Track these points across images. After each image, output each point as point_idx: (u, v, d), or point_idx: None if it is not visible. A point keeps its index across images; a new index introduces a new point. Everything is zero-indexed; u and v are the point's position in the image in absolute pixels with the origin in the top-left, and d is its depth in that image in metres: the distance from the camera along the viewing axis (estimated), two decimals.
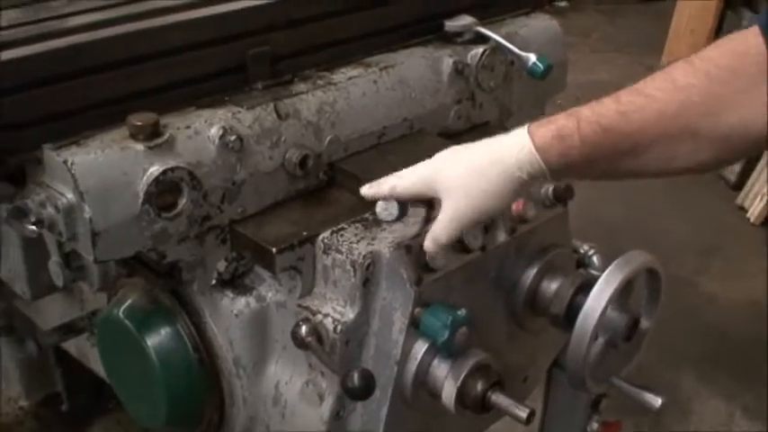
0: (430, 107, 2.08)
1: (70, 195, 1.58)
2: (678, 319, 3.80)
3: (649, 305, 1.89)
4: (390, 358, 1.74)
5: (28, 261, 2.08)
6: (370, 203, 1.78)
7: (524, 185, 1.52)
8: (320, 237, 1.75)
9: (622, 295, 1.78)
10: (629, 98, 1.42)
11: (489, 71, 2.18)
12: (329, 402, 1.80)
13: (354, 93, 1.95)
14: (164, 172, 1.62)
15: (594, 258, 2.18)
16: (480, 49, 2.15)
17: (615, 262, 1.76)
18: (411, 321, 1.71)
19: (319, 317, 1.74)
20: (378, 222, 1.74)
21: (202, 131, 1.71)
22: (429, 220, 1.75)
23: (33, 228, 1.63)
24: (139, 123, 1.61)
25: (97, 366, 2.31)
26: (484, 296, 1.87)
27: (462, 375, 1.72)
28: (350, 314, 1.73)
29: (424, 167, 1.59)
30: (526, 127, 1.50)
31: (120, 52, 1.69)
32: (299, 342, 1.72)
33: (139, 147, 1.62)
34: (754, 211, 4.87)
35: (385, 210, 1.64)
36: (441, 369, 1.75)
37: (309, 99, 1.88)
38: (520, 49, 2.13)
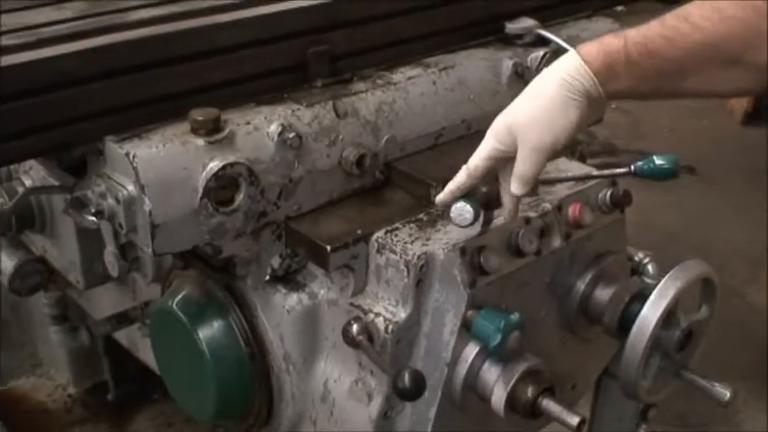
0: (488, 109, 2.05)
1: (131, 188, 1.59)
2: (726, 329, 3.75)
3: (703, 315, 1.87)
4: (440, 360, 1.74)
5: (83, 251, 2.11)
6: (425, 204, 1.79)
7: (583, 98, 1.51)
8: (374, 236, 1.75)
9: (677, 304, 1.76)
10: (674, 23, 1.44)
11: None
12: (378, 402, 1.79)
13: (413, 93, 1.95)
14: (223, 167, 1.62)
15: (649, 266, 2.15)
16: (541, 52, 2.13)
17: (671, 272, 1.75)
18: (463, 323, 1.70)
19: (371, 316, 1.74)
20: (432, 223, 1.74)
21: (262, 128, 1.71)
22: (488, 222, 1.75)
23: (93, 219, 1.65)
24: (201, 118, 1.62)
25: (147, 357, 2.34)
26: (537, 301, 1.86)
27: (513, 380, 1.71)
28: (401, 314, 1.72)
29: (489, 131, 1.60)
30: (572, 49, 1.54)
31: (183, 48, 1.69)
32: (350, 340, 1.71)
33: (200, 141, 1.62)
34: None
35: (460, 215, 1.63)
36: (491, 373, 1.74)
37: (368, 98, 1.88)
38: None
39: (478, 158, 1.60)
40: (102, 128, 1.62)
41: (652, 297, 1.72)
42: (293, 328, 1.87)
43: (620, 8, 2.58)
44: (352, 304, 1.78)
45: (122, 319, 2.33)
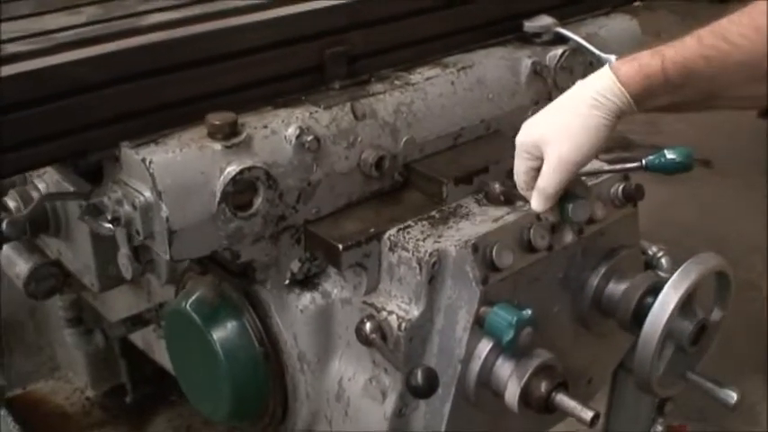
0: (507, 108, 2.05)
1: (148, 194, 1.58)
2: (743, 322, 3.73)
3: (718, 308, 1.86)
4: (454, 357, 1.74)
5: (97, 254, 2.12)
6: (437, 201, 1.79)
7: (615, 118, 1.55)
8: (387, 234, 1.75)
9: (691, 297, 1.76)
10: (712, 42, 1.45)
11: (568, 73, 2.13)
12: (392, 399, 1.79)
13: (432, 93, 1.93)
14: (241, 171, 1.61)
15: (663, 260, 2.15)
16: (560, 51, 2.12)
17: (684, 264, 1.74)
18: (476, 320, 1.70)
19: (384, 314, 1.74)
20: (444, 220, 1.74)
21: (279, 131, 1.70)
22: (495, 219, 1.76)
23: (110, 226, 1.64)
24: (218, 122, 1.61)
25: (162, 358, 2.34)
26: (550, 296, 1.86)
27: (526, 375, 1.71)
28: (414, 312, 1.72)
29: (521, 136, 1.64)
30: (608, 65, 1.55)
31: (198, 51, 1.68)
32: (364, 339, 1.72)
33: (217, 146, 1.61)
34: None
35: None
36: (504, 368, 1.74)
37: (386, 99, 1.87)
38: (599, 49, 2.10)
39: (519, 176, 1.66)
40: (117, 134, 1.62)
41: (665, 290, 1.71)
42: (307, 328, 1.87)
43: (637, 4, 2.56)
44: (365, 302, 1.78)
45: (137, 321, 2.34)
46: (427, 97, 1.92)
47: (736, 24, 1.43)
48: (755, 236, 4.57)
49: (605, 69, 1.55)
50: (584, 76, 2.07)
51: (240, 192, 1.63)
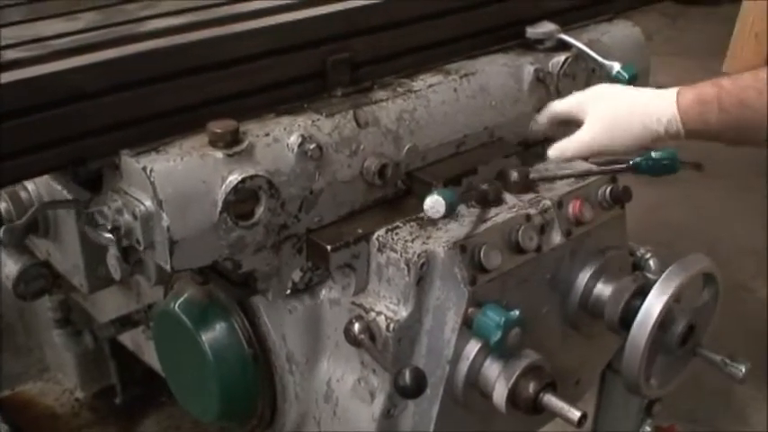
0: (510, 115, 2.04)
1: (148, 203, 1.56)
2: (733, 324, 3.74)
3: (706, 310, 1.87)
4: (442, 357, 1.74)
5: (86, 254, 2.12)
6: None
7: (659, 140, 1.64)
8: (375, 235, 1.75)
9: (679, 299, 1.76)
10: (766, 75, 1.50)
11: (571, 79, 2.12)
12: (380, 400, 1.80)
13: (434, 100, 1.92)
14: (243, 180, 1.59)
15: (651, 262, 2.16)
16: (562, 57, 2.10)
17: (672, 266, 1.75)
18: (464, 321, 1.70)
19: (372, 315, 1.74)
20: (433, 221, 1.74)
21: (281, 139, 1.69)
22: (483, 220, 1.76)
23: (110, 236, 1.62)
24: (219, 131, 1.59)
25: (152, 359, 2.34)
26: (538, 297, 1.86)
27: (514, 376, 1.71)
28: (403, 312, 1.72)
29: (581, 94, 1.76)
30: (676, 90, 1.62)
31: (199, 58, 1.65)
32: (352, 339, 1.72)
33: (219, 154, 1.60)
34: None
35: (432, 207, 1.65)
36: (492, 369, 1.74)
37: (389, 106, 1.85)
38: (602, 56, 2.08)
39: (559, 107, 1.81)
40: (117, 142, 1.59)
41: (653, 292, 1.72)
42: (296, 328, 1.87)
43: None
44: (353, 303, 1.78)
45: (126, 321, 2.34)
46: (430, 104, 1.91)
47: None
48: (747, 237, 4.59)
49: (671, 97, 1.62)
50: (586, 82, 2.10)
51: (242, 201, 1.62)
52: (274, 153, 1.67)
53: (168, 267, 1.59)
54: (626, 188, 1.91)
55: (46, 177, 2.01)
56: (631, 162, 1.75)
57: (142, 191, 1.57)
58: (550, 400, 1.71)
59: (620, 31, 2.29)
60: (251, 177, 1.60)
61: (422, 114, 1.89)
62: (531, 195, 1.86)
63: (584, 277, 1.91)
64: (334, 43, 1.81)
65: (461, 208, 1.79)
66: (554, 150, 1.75)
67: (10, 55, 1.55)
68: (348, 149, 1.77)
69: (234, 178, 1.59)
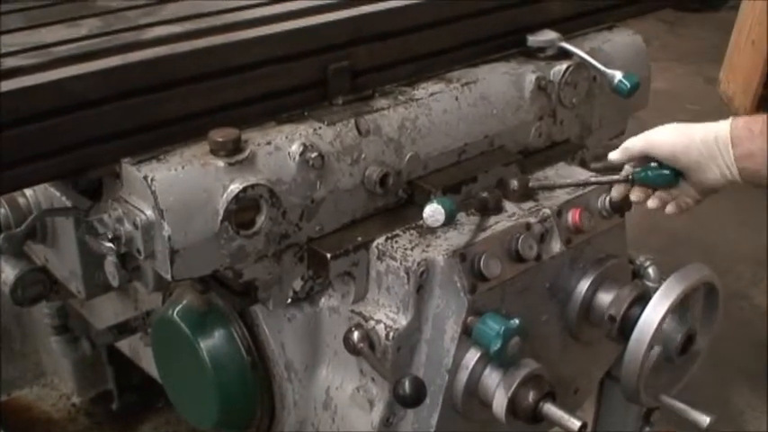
0: (511, 124, 2.03)
1: (149, 212, 1.55)
2: (731, 331, 3.75)
3: (706, 319, 1.87)
4: (442, 366, 1.74)
5: (84, 261, 2.11)
6: None
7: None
8: (375, 243, 1.75)
9: (679, 309, 1.76)
10: None
11: (572, 88, 2.12)
12: (379, 409, 1.79)
13: (436, 109, 1.91)
14: (244, 189, 1.58)
15: (650, 270, 2.16)
16: (564, 66, 2.09)
17: (673, 275, 1.75)
18: (464, 330, 1.70)
19: (372, 323, 1.73)
20: (433, 230, 1.74)
21: (283, 148, 1.68)
22: (483, 228, 1.76)
23: (110, 245, 1.61)
24: (221, 139, 1.58)
25: (149, 366, 2.34)
26: (538, 306, 1.86)
27: (514, 385, 1.71)
28: (402, 321, 1.72)
29: (652, 132, 1.74)
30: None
31: (200, 66, 1.64)
32: (351, 348, 1.72)
33: (220, 163, 1.59)
34: None
35: (431, 215, 1.64)
36: (492, 378, 1.74)
37: (390, 115, 1.84)
38: (603, 64, 2.07)
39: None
40: (118, 150, 1.58)
41: (652, 302, 1.72)
42: (294, 336, 1.87)
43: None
44: (353, 311, 1.77)
45: (124, 328, 2.33)
46: (431, 113, 1.90)
47: None
48: (743, 245, 4.59)
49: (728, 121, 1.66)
50: (587, 90, 2.11)
51: (243, 210, 1.61)
52: (276, 162, 1.66)
53: (169, 277, 1.58)
54: (625, 197, 1.90)
55: (45, 184, 2.00)
56: (631, 174, 1.75)
57: (143, 200, 1.56)
58: (550, 409, 1.71)
59: (622, 39, 2.28)
60: (252, 186, 1.59)
61: (423, 123, 1.88)
62: (530, 204, 1.86)
63: (583, 286, 1.91)
64: (336, 51, 1.80)
65: (461, 216, 1.79)
66: (616, 152, 1.78)
67: (11, 62, 1.53)
68: (349, 158, 1.76)
69: (235, 187, 1.58)
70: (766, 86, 5.68)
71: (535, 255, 1.78)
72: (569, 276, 1.90)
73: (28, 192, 2.11)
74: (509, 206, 1.84)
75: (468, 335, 1.70)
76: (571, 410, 1.73)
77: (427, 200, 1.71)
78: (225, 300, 1.90)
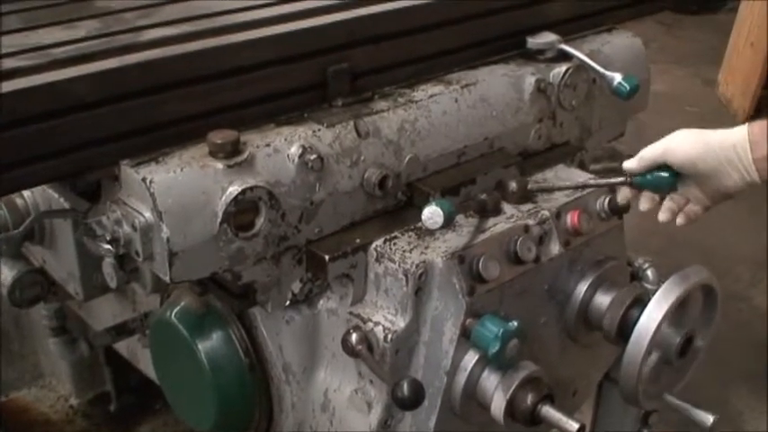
0: (511, 126, 2.03)
1: (148, 214, 1.54)
2: (730, 332, 3.74)
3: (704, 322, 1.87)
4: (440, 368, 1.74)
5: (81, 262, 2.11)
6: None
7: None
8: (373, 245, 1.75)
9: (677, 311, 1.76)
10: None
11: (572, 90, 2.11)
12: (377, 411, 1.79)
13: (435, 111, 1.90)
14: (243, 191, 1.58)
15: (649, 272, 2.15)
16: (564, 68, 2.09)
17: (671, 278, 1.75)
18: (462, 332, 1.70)
19: (370, 325, 1.73)
20: (431, 231, 1.73)
21: (282, 150, 1.67)
22: (482, 230, 1.75)
23: (109, 247, 1.61)
24: (219, 141, 1.58)
25: (147, 367, 2.34)
26: (536, 308, 1.86)
27: (512, 388, 1.71)
28: (401, 323, 1.72)
29: (667, 139, 1.73)
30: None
31: (199, 68, 1.64)
32: (350, 350, 1.71)
33: (219, 165, 1.58)
34: None
35: (430, 218, 1.64)
36: (490, 381, 1.74)
37: (390, 117, 1.84)
38: (603, 66, 2.07)
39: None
40: (117, 152, 1.58)
41: (651, 304, 1.72)
42: (293, 338, 1.87)
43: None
44: (351, 313, 1.77)
45: (122, 330, 2.32)
46: (431, 115, 1.89)
47: None
48: (741, 246, 4.59)
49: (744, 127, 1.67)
50: (587, 93, 2.11)
51: (242, 212, 1.60)
52: (275, 164, 1.66)
53: (168, 279, 1.57)
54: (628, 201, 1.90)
55: (43, 185, 1.99)
56: (630, 177, 1.75)
57: (142, 202, 1.55)
58: (548, 411, 1.70)
59: (621, 41, 2.28)
60: (251, 188, 1.59)
61: (423, 125, 1.87)
62: (529, 206, 1.86)
63: (582, 288, 1.90)
64: (335, 53, 1.80)
65: (460, 218, 1.79)
66: (632, 161, 1.76)
67: (10, 64, 1.53)
68: (349, 160, 1.76)
69: (234, 189, 1.58)
70: (765, 88, 5.68)
71: (534, 257, 1.78)
72: (568, 278, 1.89)
73: (26, 193, 2.11)
74: (508, 208, 1.84)
75: (466, 337, 1.70)
76: (569, 413, 1.73)
77: (426, 202, 1.71)
78: (223, 302, 1.89)
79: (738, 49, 5.99)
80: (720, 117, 5.68)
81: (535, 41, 2.09)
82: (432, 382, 1.73)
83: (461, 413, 1.77)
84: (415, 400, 1.59)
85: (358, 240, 1.75)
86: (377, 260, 1.74)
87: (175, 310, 1.94)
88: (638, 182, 1.74)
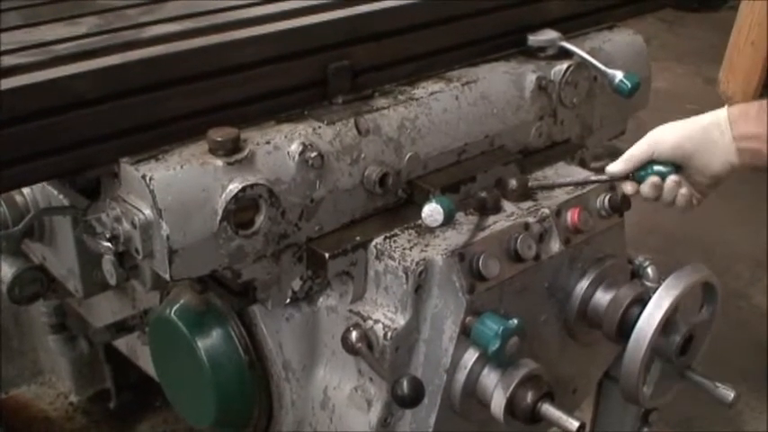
0: (511, 124, 2.03)
1: (148, 212, 1.54)
2: (730, 331, 3.74)
3: (705, 319, 1.86)
4: (440, 366, 1.74)
5: (81, 259, 2.11)
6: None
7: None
8: (373, 242, 1.75)
9: (678, 309, 1.75)
10: None
11: (573, 87, 2.11)
12: (377, 409, 1.79)
13: (436, 108, 1.90)
14: (243, 189, 1.57)
15: (649, 270, 2.15)
16: (564, 65, 2.08)
17: (672, 276, 1.75)
18: (462, 330, 1.70)
19: (370, 323, 1.73)
20: (431, 229, 1.73)
21: (282, 147, 1.67)
22: (482, 228, 1.75)
23: (108, 244, 1.60)
24: (220, 138, 1.57)
25: (147, 364, 2.33)
26: (536, 306, 1.85)
27: (512, 386, 1.71)
28: (401, 321, 1.72)
29: (650, 136, 1.80)
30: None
31: (199, 65, 1.63)
32: (349, 347, 1.71)
33: (219, 162, 1.58)
34: None
35: (430, 215, 1.64)
36: (490, 378, 1.73)
37: (390, 114, 1.83)
38: (604, 64, 2.07)
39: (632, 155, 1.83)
40: (116, 149, 1.57)
41: (651, 302, 1.72)
42: (292, 336, 1.86)
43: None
44: (351, 311, 1.77)
45: (121, 327, 2.32)
46: (431, 113, 1.89)
47: None
48: (741, 244, 4.59)
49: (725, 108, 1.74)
50: (588, 90, 2.10)
51: (242, 209, 1.60)
52: (275, 161, 1.65)
53: (167, 277, 1.57)
54: (624, 197, 1.90)
55: (43, 182, 1.99)
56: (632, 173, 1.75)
57: (141, 199, 1.55)
58: (548, 409, 1.70)
59: (622, 39, 2.28)
60: (251, 186, 1.59)
61: (423, 122, 1.87)
62: (529, 203, 1.86)
63: (582, 286, 1.90)
64: (335, 50, 1.79)
65: (460, 216, 1.79)
66: (616, 164, 1.82)
67: (10, 60, 1.52)
68: (349, 157, 1.75)
69: (234, 187, 1.57)
70: (766, 87, 5.68)
71: (534, 254, 1.78)
72: (568, 276, 1.89)
73: (26, 190, 2.11)
74: (508, 206, 1.84)
75: (466, 335, 1.69)
76: (569, 411, 1.72)
77: (426, 199, 1.70)
78: (223, 299, 1.89)
79: (739, 47, 5.98)
80: None
81: (536, 39, 2.09)
82: (431, 379, 1.73)
83: (461, 411, 1.77)
84: (414, 397, 1.59)
85: (358, 238, 1.75)
86: (377, 258, 1.74)
87: (175, 308, 1.93)
88: (640, 177, 1.75)
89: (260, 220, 1.63)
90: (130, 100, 1.55)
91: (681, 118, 1.80)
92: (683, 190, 1.79)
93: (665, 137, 1.75)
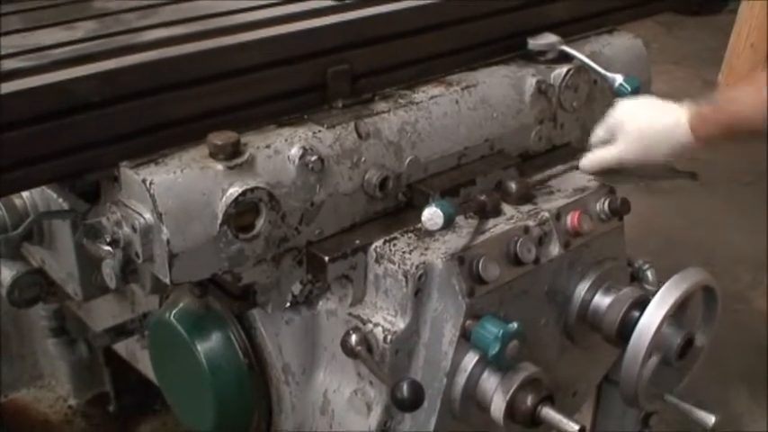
0: (511, 127, 2.03)
1: (148, 215, 1.54)
2: (730, 334, 3.73)
3: (704, 323, 1.87)
4: (440, 370, 1.73)
5: (81, 262, 2.10)
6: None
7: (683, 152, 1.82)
8: (373, 246, 1.74)
9: (677, 312, 1.75)
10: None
11: (573, 91, 2.11)
12: (377, 412, 1.79)
13: (436, 112, 1.90)
14: (243, 192, 1.58)
15: (649, 273, 2.15)
16: (564, 69, 2.08)
17: (671, 279, 1.75)
18: (462, 333, 1.70)
19: (369, 326, 1.73)
20: (431, 232, 1.73)
21: (282, 151, 1.67)
22: (481, 231, 1.75)
23: (108, 248, 1.60)
24: (220, 142, 1.57)
25: (146, 368, 2.33)
26: (536, 309, 1.85)
27: (512, 389, 1.71)
28: (400, 324, 1.72)
29: (610, 119, 1.91)
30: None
31: (199, 69, 1.63)
32: (349, 351, 1.71)
33: (219, 166, 1.58)
34: None
35: (430, 219, 1.64)
36: (490, 382, 1.73)
37: (390, 118, 1.84)
38: (604, 68, 2.07)
39: (596, 139, 1.95)
40: (116, 153, 1.57)
41: (651, 306, 1.72)
42: (292, 339, 1.86)
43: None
44: (350, 314, 1.77)
45: (121, 330, 2.32)
46: (431, 116, 1.89)
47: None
48: (741, 247, 4.58)
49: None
50: (588, 94, 2.11)
51: (242, 213, 1.60)
52: (275, 165, 1.65)
53: (168, 280, 1.57)
54: (624, 200, 1.90)
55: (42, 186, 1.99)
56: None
57: (141, 203, 1.55)
58: (548, 413, 1.70)
59: (622, 42, 2.28)
60: (251, 190, 1.59)
61: (423, 126, 1.87)
62: (529, 207, 1.86)
63: (582, 289, 1.90)
64: (335, 54, 1.79)
65: (459, 219, 1.78)
66: (585, 161, 1.92)
67: (9, 64, 1.52)
68: (349, 161, 1.75)
69: (234, 191, 1.57)
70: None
71: (533, 258, 1.78)
72: (568, 279, 1.89)
73: (25, 194, 2.10)
74: (507, 209, 1.84)
75: (466, 338, 1.69)
76: (569, 414, 1.73)
77: (426, 203, 1.70)
78: (223, 303, 1.89)
79: (738, 50, 5.99)
80: None
81: (536, 43, 2.09)
82: (431, 383, 1.73)
83: (461, 414, 1.77)
84: (414, 401, 1.59)
85: (358, 241, 1.75)
86: (377, 261, 1.74)
87: (175, 311, 1.93)
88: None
89: (260, 223, 1.63)
90: (131, 104, 1.55)
91: None
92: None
93: (626, 128, 1.88)
